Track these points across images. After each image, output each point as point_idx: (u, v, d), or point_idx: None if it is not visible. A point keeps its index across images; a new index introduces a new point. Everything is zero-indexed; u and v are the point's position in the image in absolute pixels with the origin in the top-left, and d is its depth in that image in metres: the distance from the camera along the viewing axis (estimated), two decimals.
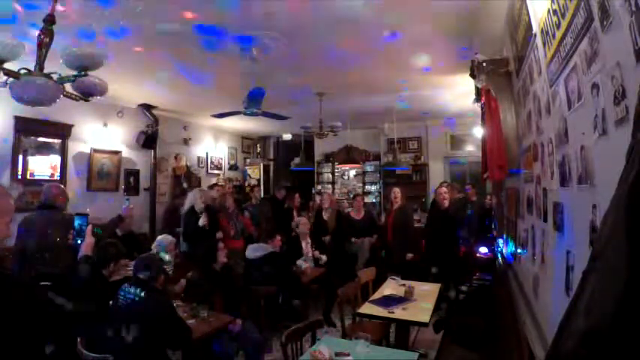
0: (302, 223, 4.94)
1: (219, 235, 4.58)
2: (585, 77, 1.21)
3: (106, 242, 3.06)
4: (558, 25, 1.45)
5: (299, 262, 4.63)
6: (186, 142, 7.32)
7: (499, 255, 4.07)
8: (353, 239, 5.41)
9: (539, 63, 1.84)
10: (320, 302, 4.59)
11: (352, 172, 8.91)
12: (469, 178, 7.32)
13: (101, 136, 5.58)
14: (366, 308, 3.22)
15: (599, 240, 0.74)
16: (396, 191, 5.37)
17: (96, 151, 5.52)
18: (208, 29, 3.30)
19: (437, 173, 7.74)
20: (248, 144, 9.61)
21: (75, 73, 2.05)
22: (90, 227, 1.64)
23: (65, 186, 5.03)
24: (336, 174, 8.92)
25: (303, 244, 4.85)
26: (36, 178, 4.72)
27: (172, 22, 3.14)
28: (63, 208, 3.36)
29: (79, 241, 1.59)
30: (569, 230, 1.45)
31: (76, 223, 1.63)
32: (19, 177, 4.57)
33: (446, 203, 5.02)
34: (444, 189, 5.11)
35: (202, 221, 4.51)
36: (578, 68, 1.27)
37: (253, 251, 4.26)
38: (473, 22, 3.14)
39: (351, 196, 7.28)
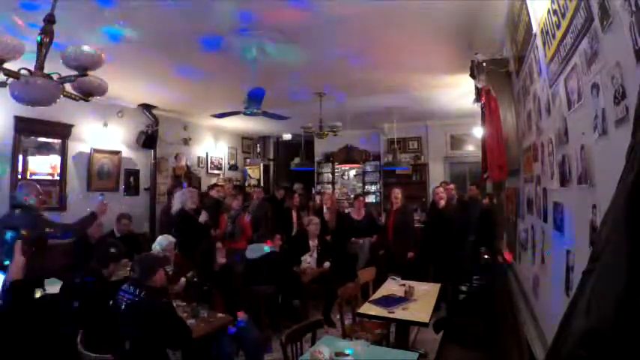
0: (314, 222, 5.01)
1: (214, 232, 4.63)
2: (585, 77, 1.21)
3: (106, 242, 3.07)
4: (558, 25, 1.45)
5: (304, 257, 4.71)
6: (186, 142, 7.32)
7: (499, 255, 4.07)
8: (353, 239, 5.41)
9: (539, 63, 1.84)
10: (320, 302, 4.60)
11: (352, 172, 8.90)
12: (469, 178, 7.32)
13: (101, 136, 5.58)
14: (366, 308, 3.22)
15: (599, 240, 0.74)
16: (397, 192, 5.39)
17: (96, 151, 5.51)
18: (208, 30, 3.30)
19: (437, 173, 7.74)
20: (248, 144, 9.61)
21: (75, 73, 2.05)
22: (19, 243, 1.25)
23: (65, 186, 5.05)
24: (336, 174, 8.92)
25: (310, 243, 4.90)
26: (36, 178, 4.71)
27: (172, 22, 3.14)
28: (34, 207, 3.08)
29: (6, 262, 1.16)
30: (569, 230, 1.45)
31: (7, 236, 1.20)
32: (20, 177, 4.57)
33: (442, 203, 5.04)
34: (440, 189, 5.16)
35: (203, 218, 4.54)
36: (578, 68, 1.27)
37: (253, 251, 4.26)
38: (473, 22, 3.14)
39: (352, 196, 7.28)
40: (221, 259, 3.38)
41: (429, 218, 5.35)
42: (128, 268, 3.19)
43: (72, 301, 2.54)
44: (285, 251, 4.56)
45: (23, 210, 3.04)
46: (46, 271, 3.33)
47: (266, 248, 4.27)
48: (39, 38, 1.97)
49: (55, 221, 3.30)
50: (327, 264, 4.81)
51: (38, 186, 3.23)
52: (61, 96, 2.05)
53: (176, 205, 4.72)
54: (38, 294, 2.80)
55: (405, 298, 3.34)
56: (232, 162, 8.88)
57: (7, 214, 3.12)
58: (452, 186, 5.68)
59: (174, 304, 2.71)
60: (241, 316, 3.15)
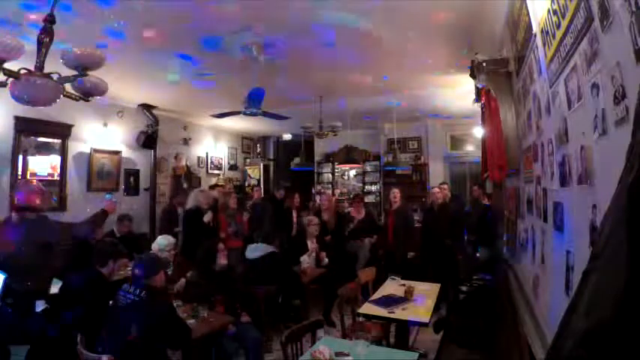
0: (313, 223, 4.92)
1: (223, 234, 4.65)
2: (585, 77, 1.21)
3: (104, 241, 3.06)
4: (558, 25, 1.45)
5: (303, 257, 4.67)
6: (186, 142, 7.32)
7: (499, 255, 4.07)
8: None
9: (539, 63, 1.84)
10: (320, 302, 4.59)
11: (352, 172, 8.90)
12: (469, 178, 7.32)
13: (101, 136, 5.58)
14: (366, 308, 3.22)
15: (599, 240, 0.74)
16: (395, 192, 5.40)
17: (96, 151, 5.51)
18: (208, 30, 3.31)
19: (437, 173, 7.74)
20: (248, 144, 9.61)
21: (75, 73, 2.05)
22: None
23: (65, 186, 5.05)
24: (336, 174, 8.91)
25: (309, 243, 4.86)
26: (36, 178, 4.71)
27: (173, 22, 3.14)
28: (39, 209, 2.90)
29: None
30: (569, 230, 1.45)
31: None
32: (19, 177, 4.57)
33: (438, 203, 5.10)
34: (436, 189, 5.25)
35: (207, 218, 4.56)
36: (578, 68, 1.27)
37: (253, 251, 4.25)
38: (473, 22, 3.14)
39: (352, 196, 7.28)
40: (222, 261, 3.38)
41: (424, 218, 5.43)
42: (128, 268, 3.18)
43: (72, 301, 2.55)
44: (285, 251, 4.55)
45: (31, 213, 2.85)
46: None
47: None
48: (39, 38, 1.97)
49: (64, 222, 3.21)
50: (325, 260, 4.81)
51: (41, 185, 3.06)
52: (61, 96, 2.05)
53: (190, 204, 4.75)
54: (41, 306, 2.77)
55: (405, 298, 3.34)
56: (232, 162, 8.88)
57: (16, 218, 2.91)
58: (445, 186, 5.71)
59: (174, 304, 2.71)
60: (244, 316, 3.15)
